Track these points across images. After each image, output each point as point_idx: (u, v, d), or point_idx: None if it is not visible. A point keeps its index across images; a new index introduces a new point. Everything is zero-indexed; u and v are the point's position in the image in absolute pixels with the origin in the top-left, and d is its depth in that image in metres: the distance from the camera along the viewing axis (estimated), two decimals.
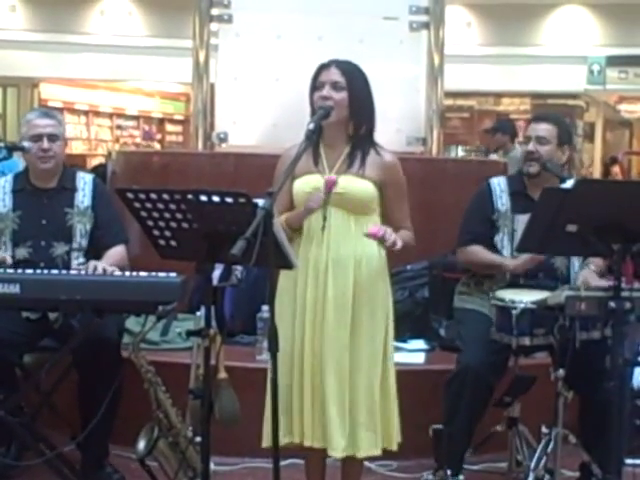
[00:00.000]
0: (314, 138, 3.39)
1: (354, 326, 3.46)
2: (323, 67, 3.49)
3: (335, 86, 3.43)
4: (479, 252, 4.05)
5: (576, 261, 4.01)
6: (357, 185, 3.44)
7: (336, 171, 3.47)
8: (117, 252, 4.13)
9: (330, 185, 3.39)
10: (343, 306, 3.44)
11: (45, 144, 4.06)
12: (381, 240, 3.35)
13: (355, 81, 3.48)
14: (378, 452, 3.51)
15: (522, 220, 3.75)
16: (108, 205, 4.18)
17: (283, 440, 3.39)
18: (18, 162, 4.91)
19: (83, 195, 4.16)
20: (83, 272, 3.82)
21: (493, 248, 4.05)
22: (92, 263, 3.88)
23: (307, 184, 3.47)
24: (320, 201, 3.39)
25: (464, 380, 3.79)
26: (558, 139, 4.05)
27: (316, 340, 3.44)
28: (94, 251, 4.10)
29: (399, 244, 3.34)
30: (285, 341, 3.36)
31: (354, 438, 3.45)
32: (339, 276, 3.44)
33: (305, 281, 3.46)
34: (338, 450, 3.43)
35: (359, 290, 3.46)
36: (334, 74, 3.46)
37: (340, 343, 3.43)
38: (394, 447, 3.55)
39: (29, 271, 3.66)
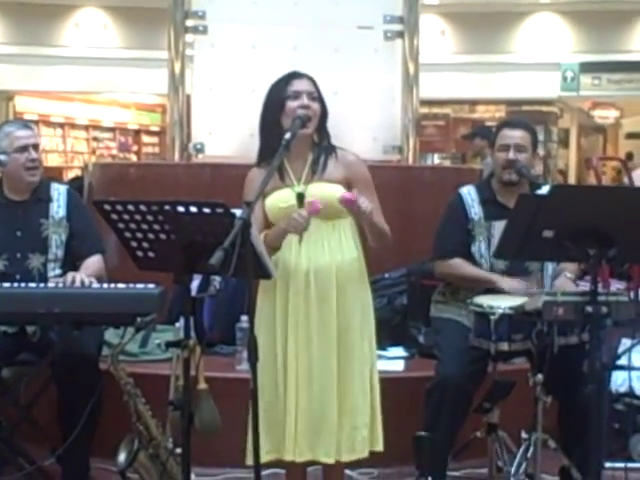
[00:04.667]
0: (290, 148, 3.39)
1: (343, 332, 3.47)
2: (294, 77, 3.50)
3: (311, 96, 3.46)
4: (463, 266, 4.05)
5: (550, 264, 4.04)
6: (328, 190, 3.43)
7: (304, 181, 3.48)
8: (94, 262, 4.11)
9: (314, 212, 3.32)
10: (328, 312, 3.45)
11: (33, 154, 4.07)
12: (352, 208, 3.32)
13: (319, 92, 3.52)
14: (366, 454, 3.53)
15: (499, 227, 3.78)
16: (83, 215, 4.17)
17: (267, 457, 3.40)
18: None
19: (58, 206, 4.14)
20: (61, 284, 3.81)
21: (470, 258, 4.06)
22: (70, 275, 3.87)
23: (280, 200, 3.47)
24: (304, 225, 3.33)
25: (444, 391, 3.80)
26: (532, 146, 4.08)
27: (300, 351, 3.44)
28: (70, 262, 4.09)
29: (369, 209, 3.32)
30: (266, 355, 3.36)
31: (352, 442, 3.47)
32: (322, 284, 3.44)
33: (286, 292, 3.46)
34: (329, 457, 3.44)
35: (342, 296, 3.47)
36: (308, 84, 3.48)
37: (327, 351, 3.44)
38: (381, 448, 3.57)
39: (6, 285, 3.65)
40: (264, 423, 3.35)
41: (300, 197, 3.44)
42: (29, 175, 4.08)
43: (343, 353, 3.47)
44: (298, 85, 3.47)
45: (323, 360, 3.44)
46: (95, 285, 3.78)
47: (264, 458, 3.35)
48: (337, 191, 3.42)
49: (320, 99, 3.51)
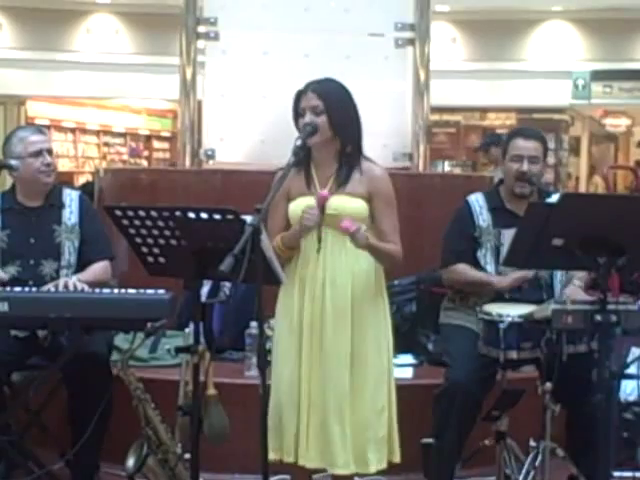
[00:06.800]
0: (301, 155, 3.41)
1: (358, 342, 3.48)
2: (301, 93, 3.52)
3: (315, 111, 3.46)
4: (465, 270, 4.06)
5: (559, 273, 4.04)
6: (350, 204, 3.45)
7: (328, 191, 3.48)
8: (99, 267, 4.12)
9: (322, 201, 3.39)
10: (342, 323, 3.46)
11: (48, 158, 4.10)
12: (352, 235, 3.34)
13: (333, 102, 3.49)
14: (384, 465, 3.54)
15: (508, 235, 3.78)
16: (94, 221, 4.18)
17: (271, 455, 3.40)
18: None
19: (70, 212, 4.16)
20: (53, 289, 3.82)
21: (476, 264, 4.06)
22: (62, 280, 3.89)
23: (302, 207, 3.49)
24: (315, 218, 3.38)
25: (453, 397, 3.81)
26: (544, 155, 4.08)
27: (314, 358, 3.45)
28: (82, 268, 4.10)
29: (361, 241, 3.34)
30: (283, 361, 3.40)
31: (363, 454, 3.47)
32: (337, 293, 3.46)
33: (302, 300, 3.48)
34: (340, 468, 3.44)
35: (358, 306, 3.48)
36: (311, 99, 3.48)
37: (340, 360, 3.45)
38: (398, 459, 3.58)
39: (17, 289, 3.67)
40: (272, 422, 3.36)
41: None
42: (45, 176, 4.10)
43: (357, 364, 3.48)
44: (303, 102, 3.50)
45: (336, 370, 3.44)
46: (87, 289, 3.81)
47: (270, 456, 3.38)
48: (359, 206, 3.47)
49: (329, 110, 3.46)
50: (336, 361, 3.44)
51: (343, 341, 3.45)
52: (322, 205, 3.39)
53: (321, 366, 3.45)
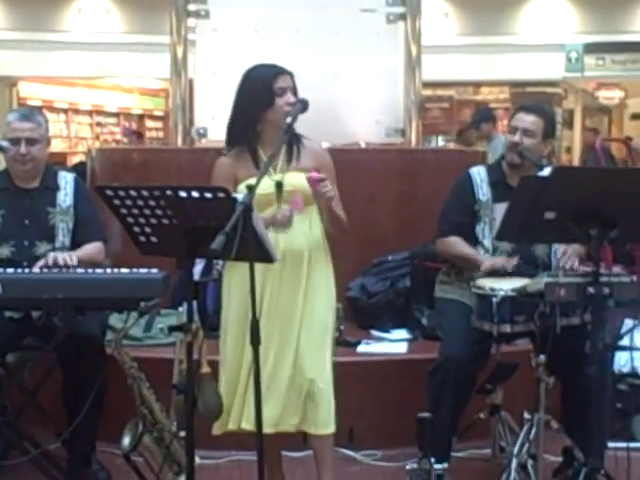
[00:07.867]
0: (292, 132, 3.43)
1: (308, 311, 3.56)
2: (279, 73, 3.57)
3: (293, 91, 3.57)
4: (457, 244, 4.06)
5: (558, 248, 4.03)
6: (302, 180, 3.51)
7: (279, 170, 3.57)
8: (93, 247, 4.13)
9: (296, 209, 3.51)
10: (297, 286, 3.54)
11: (22, 149, 4.04)
12: (317, 188, 3.43)
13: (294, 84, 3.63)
14: (333, 429, 3.56)
15: (500, 209, 3.78)
16: (88, 203, 4.18)
17: (232, 426, 3.53)
18: None
19: (65, 194, 4.16)
20: (42, 263, 3.82)
21: (474, 239, 4.06)
22: (52, 255, 3.89)
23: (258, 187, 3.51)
24: (289, 220, 3.51)
25: (447, 371, 3.82)
26: (543, 133, 4.05)
27: (269, 327, 3.49)
28: (76, 249, 4.10)
29: (331, 194, 3.46)
30: (237, 333, 3.51)
31: (312, 414, 3.52)
32: (295, 266, 3.55)
33: (261, 275, 3.47)
34: (288, 426, 3.53)
35: (310, 276, 3.58)
36: (289, 80, 3.58)
37: (293, 321, 3.54)
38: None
39: (10, 270, 3.66)
40: (230, 395, 3.51)
41: (279, 186, 3.53)
42: (19, 165, 4.08)
43: (306, 324, 3.55)
44: (283, 82, 3.57)
45: (288, 330, 3.53)
46: (75, 261, 3.84)
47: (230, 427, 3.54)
48: None
49: (295, 91, 3.59)
50: (289, 321, 3.53)
51: (296, 302, 3.55)
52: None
53: (276, 334, 3.52)
